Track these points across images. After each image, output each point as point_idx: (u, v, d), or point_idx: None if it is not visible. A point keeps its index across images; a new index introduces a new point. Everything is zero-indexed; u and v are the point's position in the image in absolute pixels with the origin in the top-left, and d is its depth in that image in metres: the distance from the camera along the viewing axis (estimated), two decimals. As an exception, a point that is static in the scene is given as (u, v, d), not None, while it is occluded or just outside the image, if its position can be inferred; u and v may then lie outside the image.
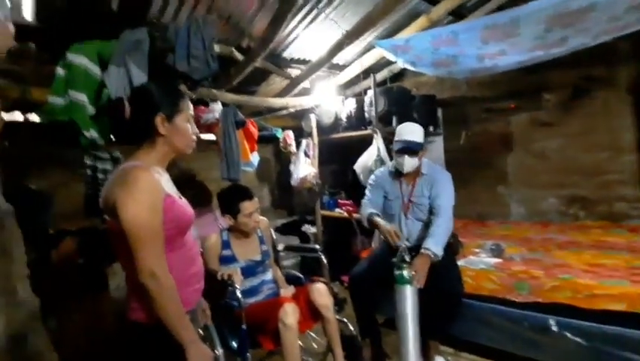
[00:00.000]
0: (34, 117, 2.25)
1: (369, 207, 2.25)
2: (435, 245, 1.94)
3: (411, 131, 2.16)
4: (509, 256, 2.35)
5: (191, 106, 1.17)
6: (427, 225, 2.14)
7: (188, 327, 1.04)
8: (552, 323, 1.94)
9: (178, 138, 1.12)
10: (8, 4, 0.31)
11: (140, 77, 1.35)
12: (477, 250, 2.51)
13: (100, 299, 2.34)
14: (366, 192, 2.35)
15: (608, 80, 3.01)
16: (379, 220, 2.13)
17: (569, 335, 1.90)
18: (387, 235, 2.02)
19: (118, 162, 2.03)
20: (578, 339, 1.87)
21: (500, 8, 2.85)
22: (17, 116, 1.91)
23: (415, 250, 2.13)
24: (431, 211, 2.13)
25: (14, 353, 2.05)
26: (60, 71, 1.36)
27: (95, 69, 1.38)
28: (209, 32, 1.51)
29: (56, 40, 1.89)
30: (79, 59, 1.36)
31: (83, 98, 1.34)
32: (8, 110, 1.97)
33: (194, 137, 1.17)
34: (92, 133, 1.38)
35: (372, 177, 2.37)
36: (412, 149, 2.10)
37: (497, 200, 3.62)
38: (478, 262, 2.30)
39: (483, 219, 3.51)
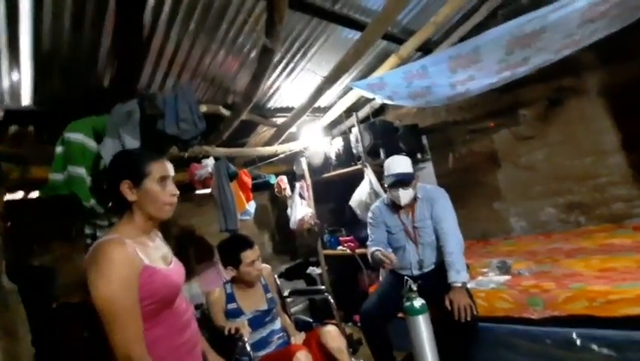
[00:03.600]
0: (34, 195, 2.32)
1: (373, 246, 2.24)
2: (457, 274, 1.93)
3: (399, 164, 2.20)
4: (517, 271, 2.33)
5: (165, 167, 1.12)
6: (434, 246, 2.15)
7: None
8: (575, 336, 1.88)
9: (149, 203, 1.08)
10: None
11: (133, 145, 1.43)
12: (484, 270, 2.49)
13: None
14: (369, 232, 2.34)
15: (578, 88, 3.16)
16: (377, 253, 2.12)
17: (595, 347, 1.83)
18: (379, 262, 2.03)
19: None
20: (606, 351, 1.80)
21: (462, 40, 3.09)
22: (19, 195, 1.97)
23: (431, 274, 2.12)
24: (437, 235, 2.13)
25: None
26: (59, 149, 1.44)
27: (90, 143, 1.46)
28: (193, 96, 1.62)
29: (54, 120, 2.01)
30: (75, 135, 1.44)
31: (81, 171, 1.41)
32: (12, 190, 2.04)
33: (171, 198, 1.11)
34: (91, 203, 1.43)
35: (370, 214, 2.37)
36: (404, 181, 2.13)
37: (496, 216, 3.63)
38: (487, 282, 2.27)
39: (486, 238, 3.50)
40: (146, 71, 2.08)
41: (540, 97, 3.26)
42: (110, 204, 1.21)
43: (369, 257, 2.25)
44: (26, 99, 1.91)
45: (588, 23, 1.89)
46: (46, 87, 1.88)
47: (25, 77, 1.78)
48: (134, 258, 1.00)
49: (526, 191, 3.45)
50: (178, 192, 1.14)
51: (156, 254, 1.11)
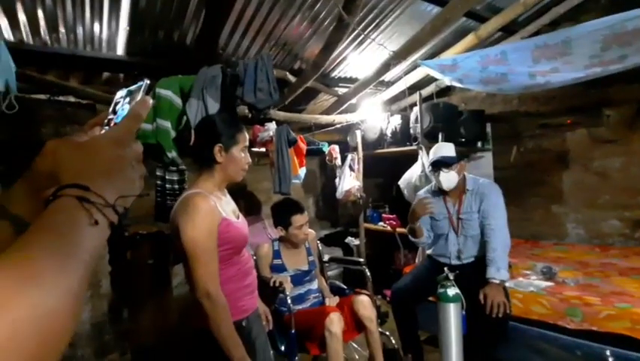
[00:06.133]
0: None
1: None
2: (497, 272, 1.94)
3: (441, 149, 2.23)
4: (562, 279, 2.26)
5: (247, 138, 1.30)
6: (478, 240, 2.15)
7: (238, 344, 1.15)
8: (608, 354, 1.84)
9: (232, 167, 1.26)
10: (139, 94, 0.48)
11: (214, 107, 1.57)
12: (527, 272, 2.44)
13: (164, 294, 2.63)
14: None
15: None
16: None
17: (629, 368, 1.79)
18: (418, 208, 2.13)
19: (183, 173, 2.30)
20: (640, 374, 1.76)
21: (553, 23, 2.79)
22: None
23: (467, 266, 2.14)
24: (482, 230, 2.12)
25: (94, 339, 2.39)
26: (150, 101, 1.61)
27: (177, 100, 1.62)
28: (271, 67, 1.70)
29: (140, 71, 2.22)
30: (165, 91, 1.61)
31: (167, 125, 1.59)
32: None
33: (247, 166, 1.30)
34: (173, 153, 1.62)
35: (416, 200, 2.39)
36: (444, 162, 2.14)
37: (552, 220, 3.44)
38: (527, 285, 2.24)
39: (537, 240, 3.37)
40: (225, 32, 2.18)
41: (631, 98, 2.91)
42: (194, 160, 1.38)
43: (408, 232, 2.32)
44: (120, 49, 2.12)
45: None
46: (137, 41, 2.06)
47: (121, 30, 1.97)
48: (215, 210, 1.19)
49: (593, 198, 3.20)
50: (251, 161, 1.30)
51: (228, 208, 1.30)
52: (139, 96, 0.47)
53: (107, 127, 0.46)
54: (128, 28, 1.93)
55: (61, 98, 2.10)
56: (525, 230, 3.41)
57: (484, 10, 2.79)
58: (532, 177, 3.52)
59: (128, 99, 0.49)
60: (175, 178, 2.50)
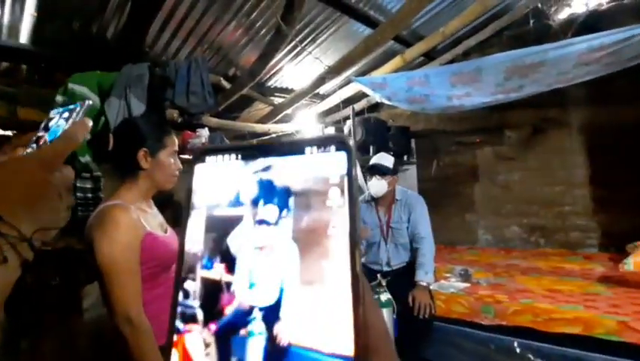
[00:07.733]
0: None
1: None
2: (425, 275, 2.08)
3: (381, 157, 2.34)
4: (476, 280, 2.51)
5: (176, 142, 1.18)
6: (406, 248, 2.28)
7: None
8: (516, 345, 2.08)
9: (160, 173, 1.12)
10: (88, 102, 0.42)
11: (139, 108, 1.43)
12: (447, 275, 2.66)
13: (73, 319, 2.28)
14: None
15: (562, 121, 3.35)
16: None
17: (531, 356, 2.03)
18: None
19: (98, 180, 2.05)
20: (540, 361, 2.01)
21: (465, 53, 3.18)
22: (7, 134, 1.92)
23: (397, 272, 2.26)
24: (412, 239, 2.27)
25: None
26: (60, 98, 1.41)
27: (94, 98, 1.44)
28: (207, 70, 1.62)
29: (48, 63, 1.95)
30: (80, 88, 1.42)
31: (81, 125, 1.40)
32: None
33: (177, 172, 1.17)
34: (86, 158, 1.43)
35: None
36: (379, 169, 2.26)
37: (466, 227, 3.85)
38: (448, 286, 2.44)
39: (453, 245, 3.71)
40: (153, 29, 2.03)
41: (526, 122, 3.43)
42: (108, 165, 1.22)
43: None
44: (24, 37, 1.84)
45: (583, 65, 2.02)
46: (47, 28, 1.82)
47: (27, 14, 1.72)
48: (137, 224, 1.04)
49: (497, 207, 3.66)
50: (182, 167, 1.18)
51: (154, 221, 1.15)
52: (79, 116, 0.41)
53: (34, 145, 0.38)
54: (35, 14, 1.69)
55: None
56: (443, 236, 3.73)
57: (410, 36, 3.06)
58: (449, 189, 3.90)
59: (65, 115, 0.42)
60: (88, 186, 2.21)
